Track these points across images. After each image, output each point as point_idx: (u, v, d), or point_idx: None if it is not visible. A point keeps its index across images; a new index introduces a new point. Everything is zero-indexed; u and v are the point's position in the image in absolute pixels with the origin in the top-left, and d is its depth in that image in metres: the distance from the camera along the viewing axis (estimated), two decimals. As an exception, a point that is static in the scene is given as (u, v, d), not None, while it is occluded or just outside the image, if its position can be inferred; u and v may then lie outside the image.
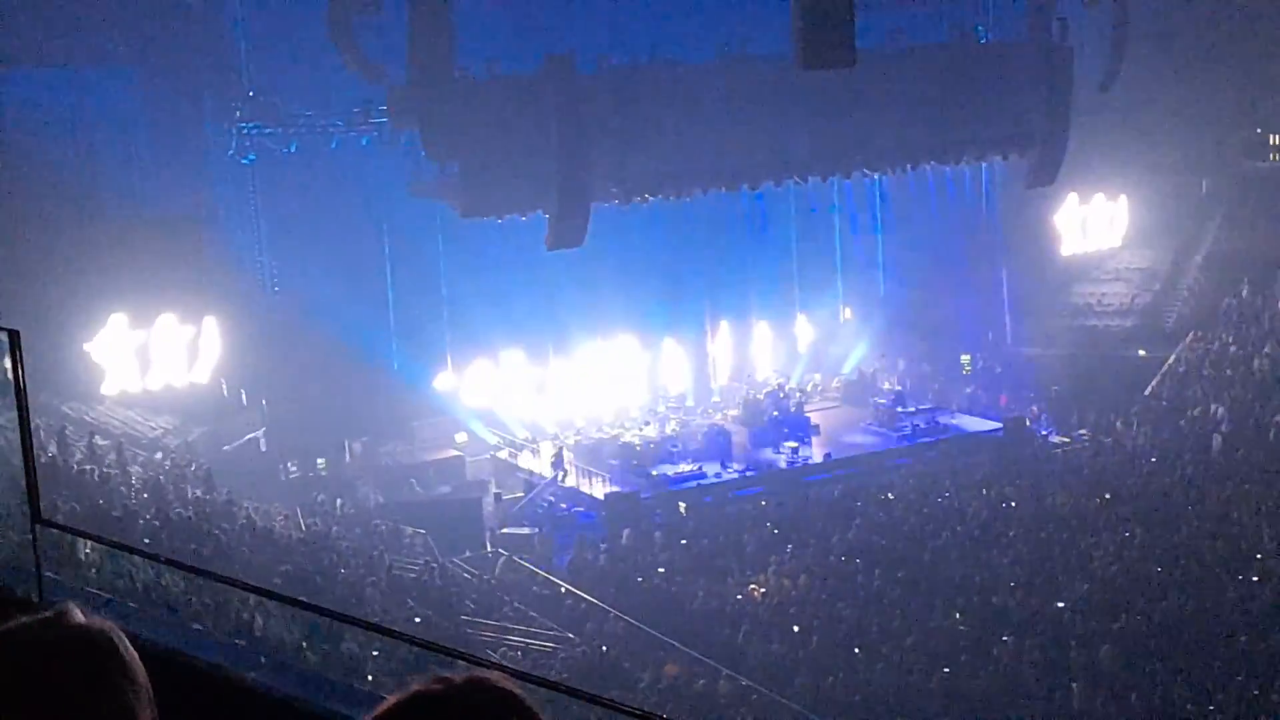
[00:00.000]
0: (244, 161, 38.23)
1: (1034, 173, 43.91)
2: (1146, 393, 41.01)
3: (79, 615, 2.69)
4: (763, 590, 29.31)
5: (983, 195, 46.95)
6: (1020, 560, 29.56)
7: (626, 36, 37.82)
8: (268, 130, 37.98)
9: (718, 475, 37.29)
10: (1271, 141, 46.80)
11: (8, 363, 4.78)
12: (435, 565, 31.00)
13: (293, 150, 38.02)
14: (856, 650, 26.40)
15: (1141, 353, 43.69)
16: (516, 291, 39.53)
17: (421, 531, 33.14)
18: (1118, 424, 38.95)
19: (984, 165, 45.46)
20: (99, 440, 33.31)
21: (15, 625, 2.65)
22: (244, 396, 38.65)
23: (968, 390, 43.77)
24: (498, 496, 36.99)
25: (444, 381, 40.58)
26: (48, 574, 4.88)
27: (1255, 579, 27.70)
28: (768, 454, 38.50)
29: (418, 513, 34.73)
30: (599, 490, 36.77)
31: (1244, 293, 43.49)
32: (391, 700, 2.50)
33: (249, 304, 38.29)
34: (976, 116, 42.23)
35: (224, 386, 38.27)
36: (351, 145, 38.19)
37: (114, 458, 32.61)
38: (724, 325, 43.98)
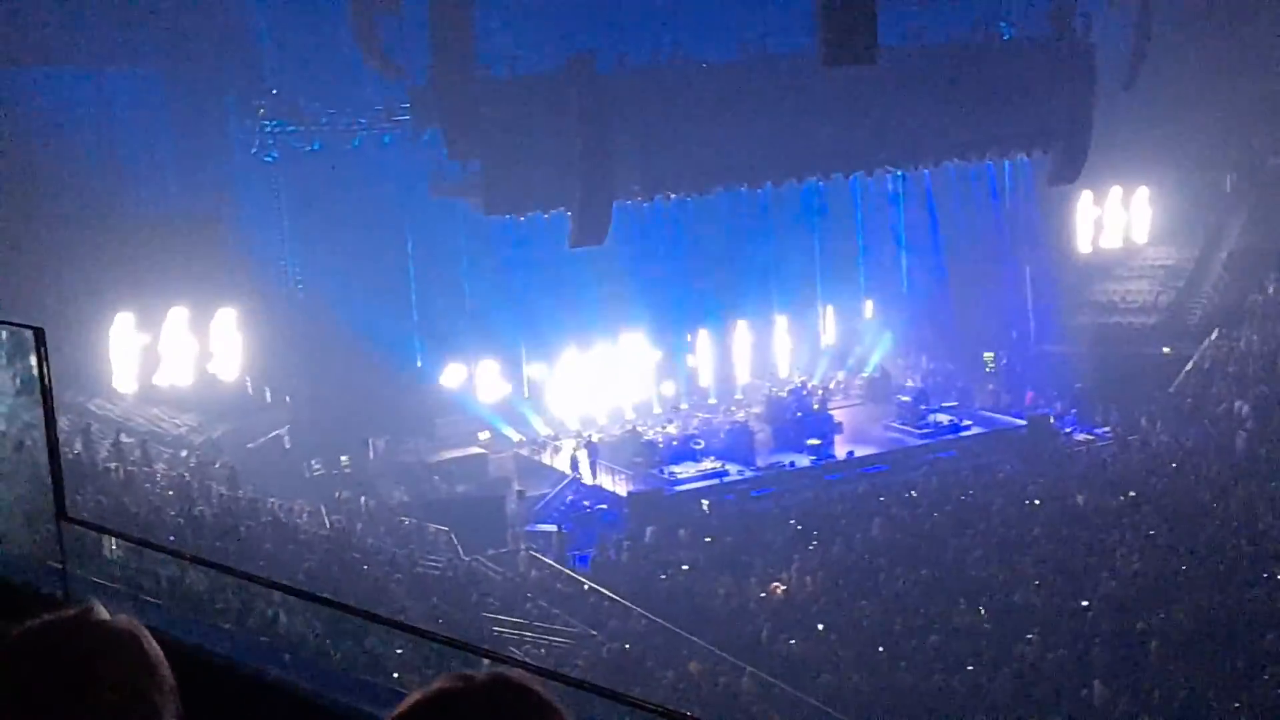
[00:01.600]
0: (267, 160, 38.34)
1: (1057, 169, 43.82)
2: (1171, 390, 40.87)
3: (104, 612, 2.70)
4: (785, 588, 29.28)
5: (1005, 192, 46.84)
6: (1043, 558, 29.48)
7: (648, 35, 37.80)
8: (290, 129, 38.09)
9: (740, 473, 37.29)
10: (1296, 138, 46.63)
11: (33, 360, 4.80)
12: (459, 562, 31.05)
13: (315, 149, 38.13)
14: (880, 649, 26.35)
15: (1166, 350, 43.53)
16: (538, 289, 39.55)
17: (444, 529, 33.20)
18: (1141, 421, 38.83)
19: (1007, 162, 45.38)
20: (124, 438, 33.45)
21: (41, 622, 2.67)
22: (268, 394, 38.81)
23: (991, 388, 43.69)
24: (520, 494, 37.03)
25: (452, 377, 40.50)
26: (72, 570, 4.90)
27: (1280, 577, 27.58)
28: (790, 452, 38.46)
29: (441, 510, 34.78)
30: (622, 488, 36.79)
31: (1269, 289, 43.31)
32: (414, 697, 2.50)
33: (272, 302, 38.42)
34: (999, 113, 42.12)
35: (248, 384, 38.44)
36: (374, 144, 38.29)
37: (139, 455, 32.76)
38: (746, 323, 43.91)
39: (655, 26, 37.67)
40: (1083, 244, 47.62)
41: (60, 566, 4.86)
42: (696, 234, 41.37)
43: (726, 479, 36.91)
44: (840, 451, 38.61)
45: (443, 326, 39.91)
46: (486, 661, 3.55)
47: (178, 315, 36.77)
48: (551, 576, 31.62)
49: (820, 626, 27.50)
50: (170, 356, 36.87)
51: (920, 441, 39.36)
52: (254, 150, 38.21)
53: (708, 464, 37.56)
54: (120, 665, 2.63)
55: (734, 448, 38.30)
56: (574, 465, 38.21)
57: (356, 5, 35.92)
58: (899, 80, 38.90)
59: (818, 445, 38.33)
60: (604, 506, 36.64)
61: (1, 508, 5.25)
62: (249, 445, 37.42)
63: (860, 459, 38.25)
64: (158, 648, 2.70)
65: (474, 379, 40.76)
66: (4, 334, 4.91)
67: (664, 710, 3.49)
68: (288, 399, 38.80)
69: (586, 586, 30.54)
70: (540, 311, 39.89)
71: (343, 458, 37.97)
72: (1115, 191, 47.05)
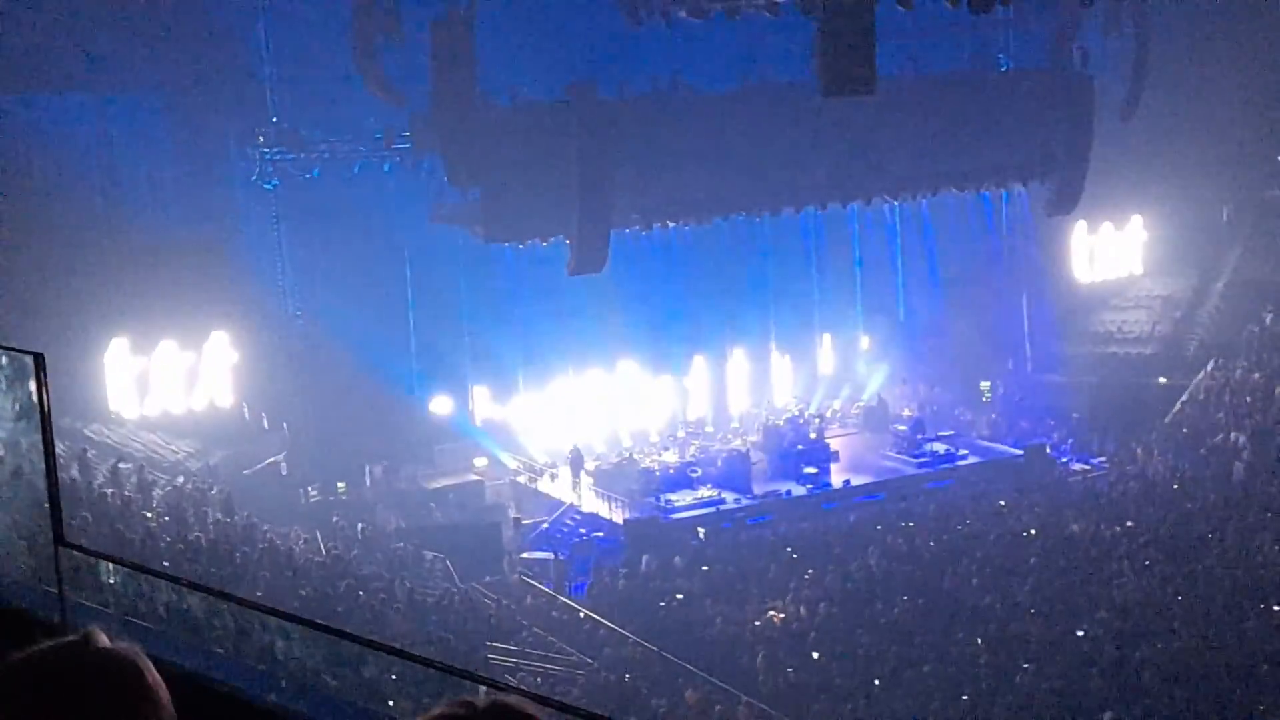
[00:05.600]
0: (267, 186, 38.35)
1: (1055, 200, 43.90)
2: (1167, 420, 40.88)
3: (104, 639, 2.71)
4: (781, 616, 29.23)
5: (1003, 222, 46.93)
6: (1040, 588, 29.45)
7: (648, 64, 37.89)
8: (290, 156, 38.12)
9: (737, 501, 37.25)
10: (1293, 169, 46.74)
11: (32, 385, 4.81)
12: (455, 590, 30.99)
13: (315, 176, 38.14)
14: (875, 678, 26.30)
15: (1162, 380, 43.55)
16: (537, 317, 39.60)
17: (441, 556, 33.16)
18: (1138, 451, 38.84)
19: (1004, 192, 45.47)
20: (121, 464, 33.41)
21: (42, 649, 2.67)
22: (265, 421, 38.76)
23: (988, 417, 43.68)
24: (516, 521, 36.99)
25: (443, 405, 40.53)
26: (69, 596, 4.90)
27: (1277, 608, 27.54)
28: (787, 480, 38.42)
29: (437, 537, 34.75)
30: (618, 515, 36.76)
31: (1266, 320, 43.37)
32: (416, 724, 2.52)
33: (271, 328, 38.43)
34: (997, 144, 42.23)
35: (245, 410, 38.40)
36: (374, 171, 38.33)
37: (135, 481, 32.71)
38: (743, 351, 43.92)
39: (655, 56, 37.74)
40: (1080, 274, 47.68)
41: (57, 592, 4.87)
42: (695, 263, 41.42)
43: (723, 507, 36.86)
44: (837, 480, 38.56)
45: (441, 353, 39.91)
46: (483, 688, 3.57)
47: (178, 341, 36.76)
48: (547, 604, 31.58)
49: (816, 655, 27.46)
50: (167, 382, 36.85)
51: (917, 471, 39.34)
52: (254, 177, 38.21)
53: (704, 492, 37.51)
54: (121, 692, 2.64)
55: (731, 476, 38.24)
56: (570, 468, 38.20)
57: (358, 32, 36.03)
58: (897, 110, 39.02)
59: (814, 474, 38.29)
60: (600, 534, 36.59)
61: None
62: (246, 472, 37.36)
63: (857, 488, 38.21)
64: (157, 675, 2.71)
65: (471, 406, 40.75)
66: (3, 359, 4.92)
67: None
68: (285, 425, 38.75)
69: (582, 614, 30.50)
70: (539, 339, 39.94)
71: (339, 484, 37.92)
72: (1112, 222, 47.12)
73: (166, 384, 36.83)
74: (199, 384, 37.32)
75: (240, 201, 38.82)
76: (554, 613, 31.02)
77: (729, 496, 37.33)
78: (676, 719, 25.03)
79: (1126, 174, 43.97)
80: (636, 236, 39.25)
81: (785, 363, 44.53)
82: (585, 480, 38.32)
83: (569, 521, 37.51)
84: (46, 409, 4.79)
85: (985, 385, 45.21)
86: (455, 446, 40.27)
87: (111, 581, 5.15)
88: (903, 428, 41.13)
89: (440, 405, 40.36)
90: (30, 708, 2.57)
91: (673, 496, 37.22)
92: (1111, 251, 47.70)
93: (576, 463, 38.37)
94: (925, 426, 41.19)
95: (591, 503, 37.98)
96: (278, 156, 38.09)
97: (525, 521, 37.17)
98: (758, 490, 37.83)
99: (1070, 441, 41.40)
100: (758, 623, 29.17)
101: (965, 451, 40.48)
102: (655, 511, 36.51)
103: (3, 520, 5.27)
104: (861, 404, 44.54)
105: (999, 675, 25.91)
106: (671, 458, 39.72)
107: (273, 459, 38.30)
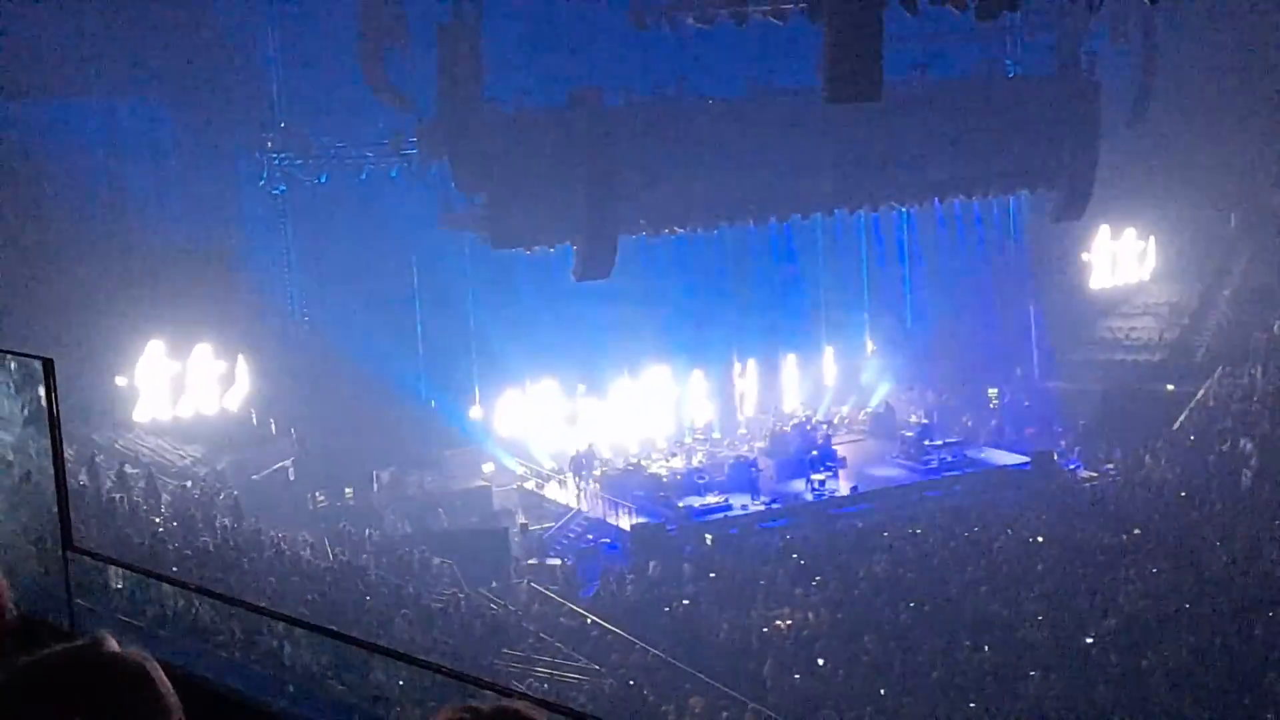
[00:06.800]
0: (275, 192, 38.46)
1: (1062, 207, 43.85)
2: (1174, 428, 40.78)
3: (114, 644, 2.72)
4: (789, 622, 29.19)
5: (1010, 229, 46.91)
6: (1047, 595, 29.40)
7: (654, 69, 37.92)
8: (298, 161, 38.23)
9: (744, 507, 37.19)
10: (1301, 176, 46.67)
11: (41, 391, 4.82)
12: (462, 595, 31.00)
13: (323, 181, 38.23)
14: (881, 685, 26.26)
15: (1170, 387, 43.46)
16: (544, 323, 39.58)
17: (448, 561, 33.16)
18: (1146, 459, 38.76)
19: (1011, 199, 45.44)
20: (129, 469, 33.45)
21: (52, 653, 2.68)
22: (273, 426, 38.79)
23: (995, 424, 43.63)
24: (524, 527, 36.98)
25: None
26: (78, 601, 4.91)
27: (1285, 616, 27.49)
28: (794, 486, 38.38)
29: (445, 543, 34.75)
30: (625, 522, 36.74)
31: (1274, 327, 43.28)
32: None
33: (278, 333, 38.49)
34: (1004, 150, 42.19)
35: (254, 416, 38.43)
36: (381, 177, 38.39)
37: (144, 486, 32.75)
38: (750, 358, 43.90)
39: (662, 62, 37.77)
40: (1087, 281, 47.62)
41: (66, 597, 4.88)
42: (702, 269, 41.41)
43: (730, 513, 36.83)
44: (844, 486, 38.51)
45: (448, 359, 39.94)
46: (490, 694, 3.57)
47: (185, 347, 36.80)
48: (554, 610, 31.56)
49: (822, 662, 27.42)
50: (181, 388, 36.87)
51: (924, 477, 39.26)
52: (262, 182, 38.33)
53: (711, 498, 37.46)
54: (130, 697, 2.65)
55: (738, 482, 38.20)
56: (572, 471, 38.27)
57: (365, 38, 36.11)
58: (904, 117, 39.02)
59: (821, 480, 38.24)
60: (607, 540, 36.58)
61: (8, 538, 5.27)
62: (254, 477, 37.40)
63: (864, 494, 38.16)
64: (167, 680, 2.72)
65: (480, 412, 40.76)
66: (13, 365, 4.93)
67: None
68: (293, 431, 38.80)
69: (589, 620, 30.48)
70: (546, 346, 39.91)
71: (347, 490, 37.92)
72: (1120, 229, 47.07)
73: (174, 389, 36.83)
74: (207, 389, 37.29)
75: (248, 207, 38.93)
76: (561, 619, 31.00)
77: (736, 502, 37.28)
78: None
79: (1134, 180, 43.89)
80: (644, 243, 39.25)
81: (792, 369, 44.51)
82: (592, 486, 38.35)
83: (576, 527, 37.49)
84: (55, 414, 4.80)
85: (993, 392, 45.13)
86: (463, 452, 40.29)
87: (119, 586, 5.16)
88: (910, 434, 41.06)
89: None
90: (41, 713, 2.58)
91: (680, 503, 37.20)
92: (1119, 258, 47.60)
93: (580, 468, 38.40)
94: (932, 433, 41.13)
95: (598, 509, 37.96)
96: (285, 162, 38.21)
97: (532, 528, 37.16)
98: (765, 496, 37.80)
99: (1077, 448, 41.32)
100: (765, 629, 29.14)
101: (973, 458, 40.42)
102: (662, 518, 36.49)
103: (12, 525, 5.28)
104: (869, 410, 44.51)
105: (1006, 683, 25.87)
106: (679, 464, 39.69)
107: (280, 464, 38.33)
